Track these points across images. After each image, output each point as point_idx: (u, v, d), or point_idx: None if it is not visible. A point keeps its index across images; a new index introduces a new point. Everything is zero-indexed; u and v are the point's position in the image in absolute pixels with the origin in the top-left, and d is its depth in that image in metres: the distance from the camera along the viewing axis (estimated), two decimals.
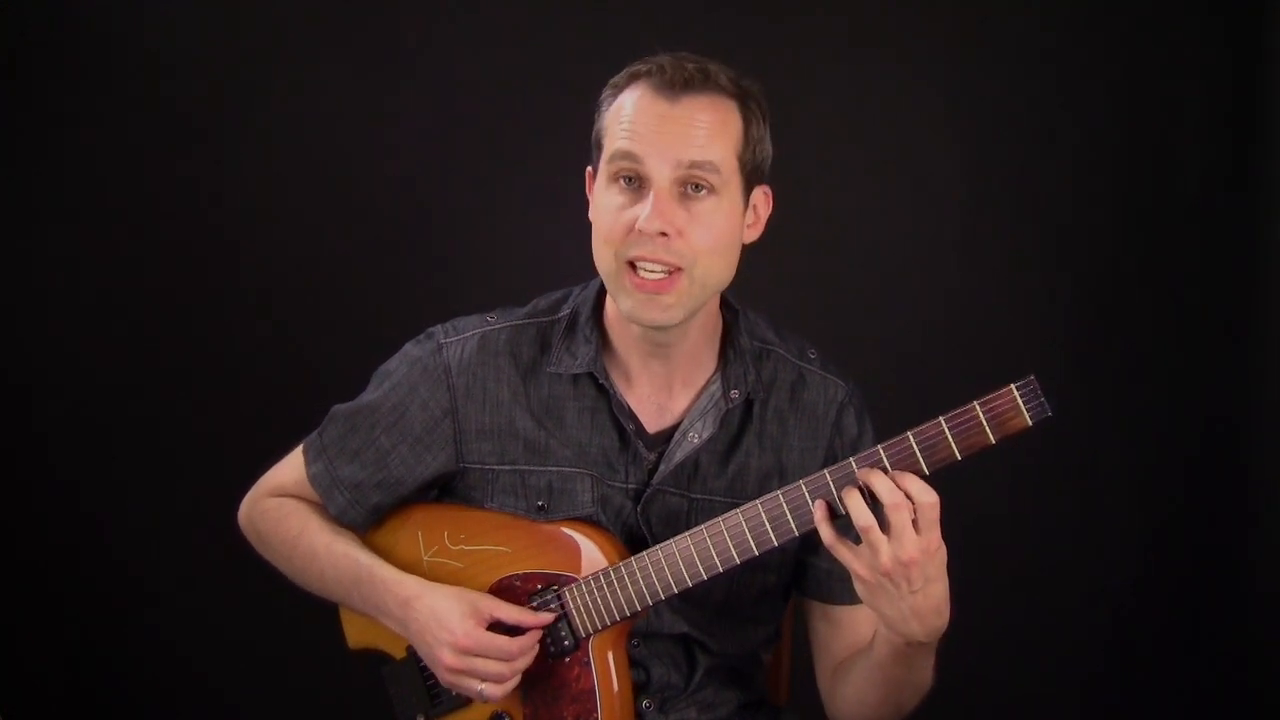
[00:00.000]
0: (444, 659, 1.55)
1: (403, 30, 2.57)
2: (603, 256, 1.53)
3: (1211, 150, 2.51)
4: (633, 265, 1.50)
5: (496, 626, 1.56)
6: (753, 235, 1.59)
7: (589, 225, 1.57)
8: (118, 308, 2.63)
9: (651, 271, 1.49)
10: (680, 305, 1.51)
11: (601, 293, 1.63)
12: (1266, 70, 2.41)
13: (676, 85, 1.49)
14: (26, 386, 2.64)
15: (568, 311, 1.65)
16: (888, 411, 1.61)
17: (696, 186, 1.49)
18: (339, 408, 1.70)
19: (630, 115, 1.50)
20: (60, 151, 2.59)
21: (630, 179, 1.50)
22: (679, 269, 1.49)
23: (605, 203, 1.52)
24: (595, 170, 1.56)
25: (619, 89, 1.54)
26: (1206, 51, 2.49)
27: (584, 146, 1.58)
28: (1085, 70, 2.52)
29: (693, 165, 1.48)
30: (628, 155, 1.49)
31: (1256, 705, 2.44)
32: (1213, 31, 2.48)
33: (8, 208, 2.60)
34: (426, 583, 1.60)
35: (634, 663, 1.63)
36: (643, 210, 1.48)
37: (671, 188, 1.49)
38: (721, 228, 1.51)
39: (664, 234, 1.48)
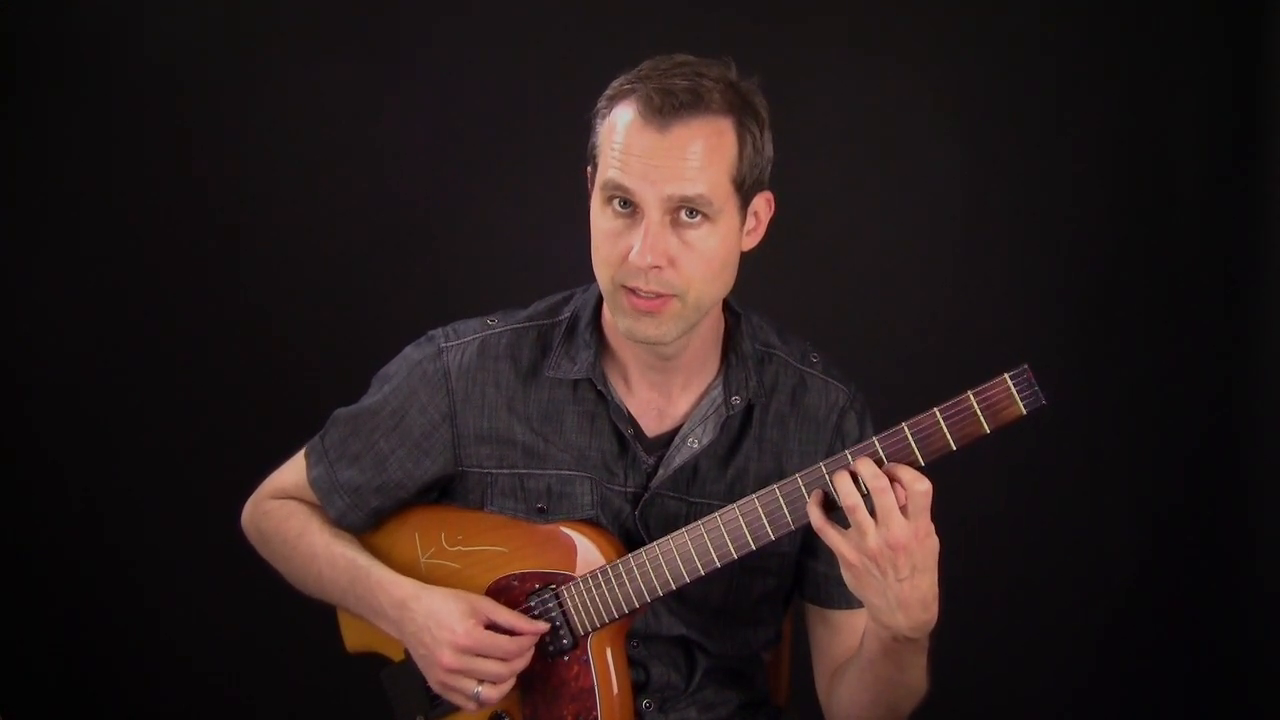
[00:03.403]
0: (443, 659, 1.53)
1: (403, 30, 2.57)
2: (600, 275, 1.52)
3: (1211, 150, 2.50)
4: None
5: (492, 629, 1.55)
6: (752, 242, 1.56)
7: (590, 224, 1.55)
8: (118, 309, 2.63)
9: (646, 294, 1.48)
10: (674, 325, 1.50)
11: (602, 297, 1.63)
12: (1266, 70, 2.41)
13: (666, 111, 1.44)
14: (27, 388, 2.65)
15: (568, 315, 1.64)
16: (887, 408, 1.60)
17: (691, 212, 1.46)
18: (341, 411, 1.70)
19: (620, 144, 1.46)
20: (61, 152, 2.60)
21: (624, 203, 1.48)
22: (672, 295, 1.48)
23: (601, 224, 1.50)
24: (593, 179, 1.53)
25: (612, 102, 1.50)
26: (1206, 51, 2.49)
27: (584, 147, 1.56)
28: (1085, 69, 2.53)
29: (684, 200, 1.45)
30: (618, 186, 1.46)
31: (1256, 705, 2.44)
32: (1213, 31, 2.48)
33: (8, 208, 2.60)
34: (423, 584, 1.59)
35: (634, 662, 1.62)
36: (635, 242, 1.46)
37: (663, 217, 1.46)
38: (715, 252, 1.48)
39: (656, 266, 1.46)
